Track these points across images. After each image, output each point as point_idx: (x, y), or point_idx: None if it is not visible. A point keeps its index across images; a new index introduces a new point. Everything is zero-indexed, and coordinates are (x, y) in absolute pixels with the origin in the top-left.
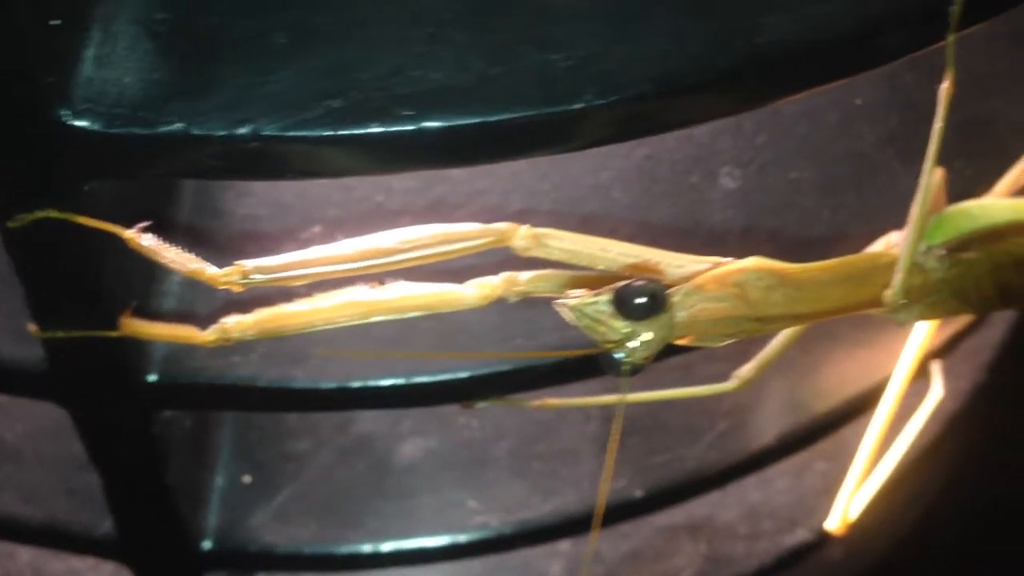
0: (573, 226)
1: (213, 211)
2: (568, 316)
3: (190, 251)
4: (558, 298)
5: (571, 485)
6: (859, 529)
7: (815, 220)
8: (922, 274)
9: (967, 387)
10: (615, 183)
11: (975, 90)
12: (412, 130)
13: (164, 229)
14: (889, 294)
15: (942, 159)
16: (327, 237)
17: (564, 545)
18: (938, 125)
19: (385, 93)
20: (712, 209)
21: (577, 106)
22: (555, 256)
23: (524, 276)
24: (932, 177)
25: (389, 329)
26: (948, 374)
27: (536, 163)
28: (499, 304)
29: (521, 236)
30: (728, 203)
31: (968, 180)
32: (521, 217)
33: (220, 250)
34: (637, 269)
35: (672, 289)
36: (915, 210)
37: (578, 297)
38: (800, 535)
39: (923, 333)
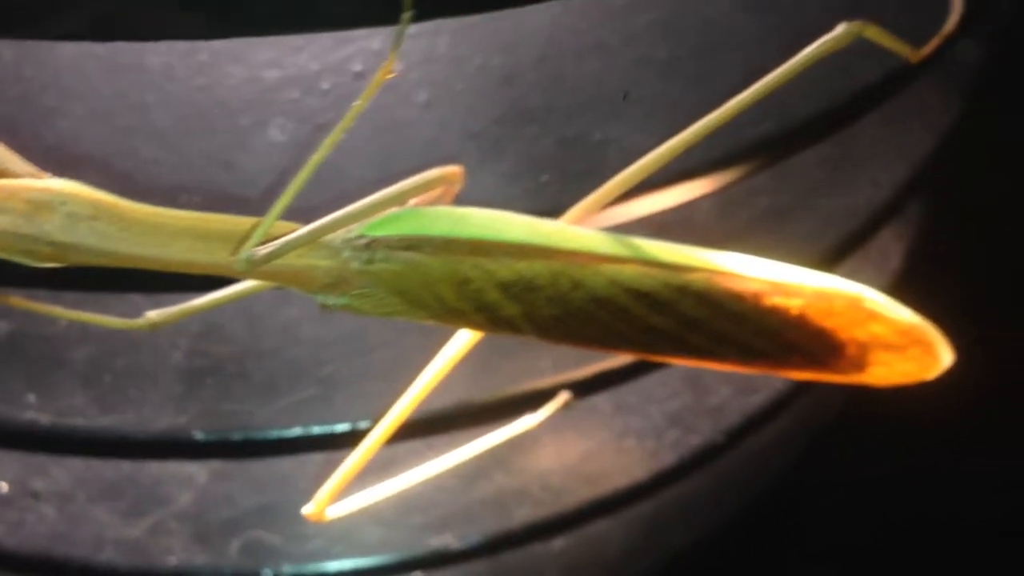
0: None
1: None
2: None
3: None
4: None
5: (133, 407)
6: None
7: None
8: (334, 259)
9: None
10: None
11: (604, 110)
12: None
13: None
14: (233, 260)
15: (529, 167)
16: None
17: (202, 477)
18: (356, 104)
19: None
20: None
21: None
22: None
23: None
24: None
25: None
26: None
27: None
28: None
29: None
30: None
31: (546, 195)
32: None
33: None
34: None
35: None
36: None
37: None
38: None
39: (458, 345)
